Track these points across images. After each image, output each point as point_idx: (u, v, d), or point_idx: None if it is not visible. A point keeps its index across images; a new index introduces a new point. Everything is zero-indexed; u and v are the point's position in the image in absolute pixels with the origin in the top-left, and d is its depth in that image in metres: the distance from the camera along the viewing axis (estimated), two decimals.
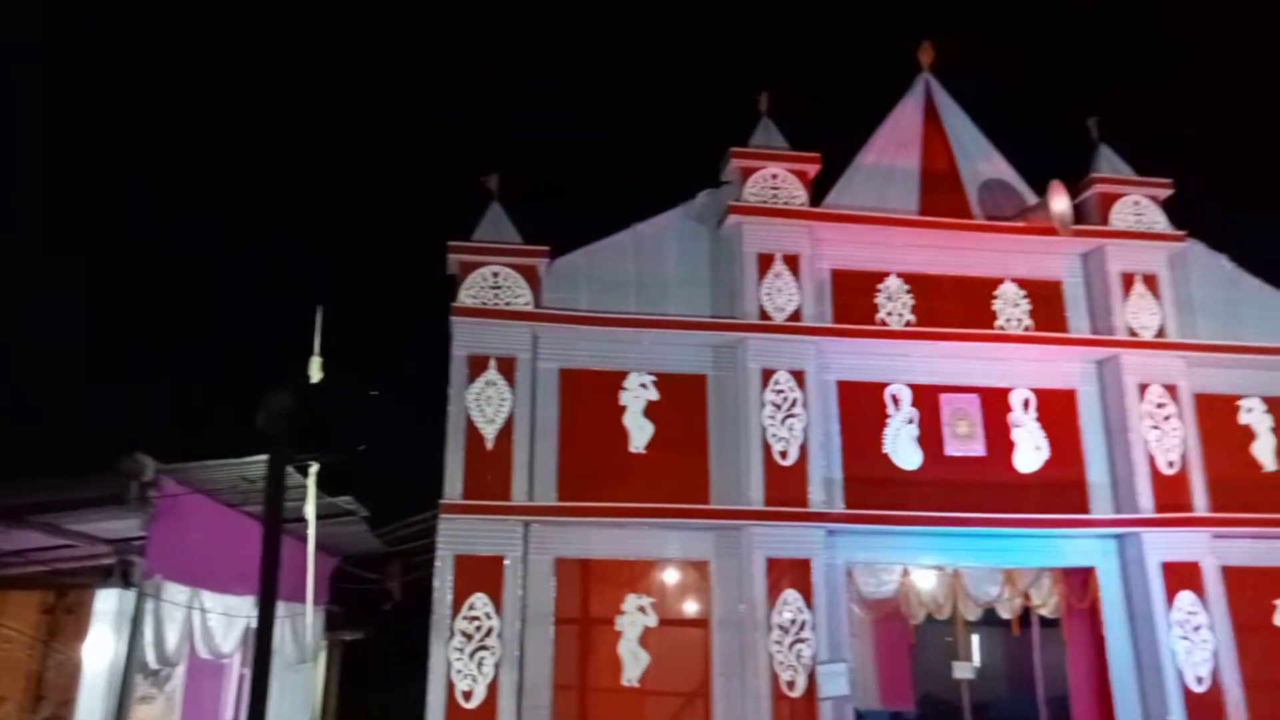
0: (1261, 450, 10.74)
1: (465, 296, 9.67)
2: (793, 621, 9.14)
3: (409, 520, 12.02)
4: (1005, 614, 12.21)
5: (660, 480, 9.57)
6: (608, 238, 10.28)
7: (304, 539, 7.99)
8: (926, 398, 10.29)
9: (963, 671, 15.62)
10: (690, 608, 9.56)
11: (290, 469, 7.35)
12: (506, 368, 9.49)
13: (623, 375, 9.89)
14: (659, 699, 9.25)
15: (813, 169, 10.42)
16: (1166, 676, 9.55)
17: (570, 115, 30.83)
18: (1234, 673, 9.79)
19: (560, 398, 9.76)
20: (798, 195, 10.29)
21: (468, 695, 8.62)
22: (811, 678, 8.97)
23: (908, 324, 10.37)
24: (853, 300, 10.43)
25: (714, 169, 10.70)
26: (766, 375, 9.75)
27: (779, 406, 9.67)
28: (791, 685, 8.95)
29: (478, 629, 8.80)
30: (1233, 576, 10.18)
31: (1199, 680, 9.57)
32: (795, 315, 9.94)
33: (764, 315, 9.90)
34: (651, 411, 9.83)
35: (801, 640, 9.10)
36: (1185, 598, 9.80)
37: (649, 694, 9.22)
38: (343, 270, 24.04)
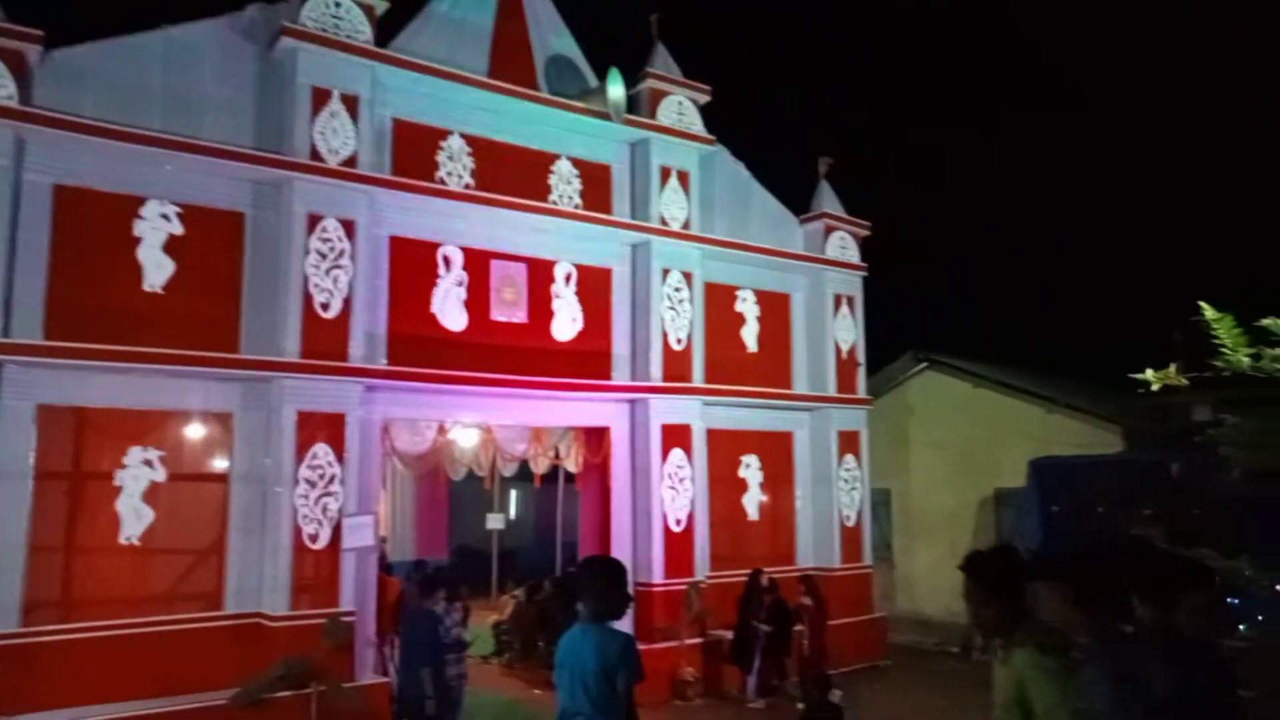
0: (748, 334, 12.76)
1: None
2: (321, 475, 8.96)
3: None
4: (536, 470, 13.31)
5: (180, 324, 8.60)
6: (129, 36, 8.70)
7: None
8: (478, 262, 10.48)
9: (494, 522, 16.90)
10: (207, 461, 8.90)
11: None
12: None
13: (139, 202, 8.59)
14: (165, 557, 8.56)
15: (381, 4, 9.74)
16: (654, 520, 11.17)
17: None
18: (704, 515, 11.77)
19: (54, 219, 8.20)
20: (362, 31, 9.57)
21: None
22: (337, 530, 8.94)
23: (467, 186, 10.37)
24: (413, 154, 10.12)
25: None
26: (313, 221, 9.14)
27: (324, 256, 9.16)
28: (315, 538, 8.84)
29: None
30: (714, 437, 12.11)
31: (678, 522, 11.34)
32: (350, 161, 9.38)
33: (315, 156, 9.19)
34: (174, 247, 8.72)
35: (329, 494, 8.97)
36: (677, 454, 11.45)
37: (153, 552, 8.49)
38: None
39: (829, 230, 13.45)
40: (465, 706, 8.65)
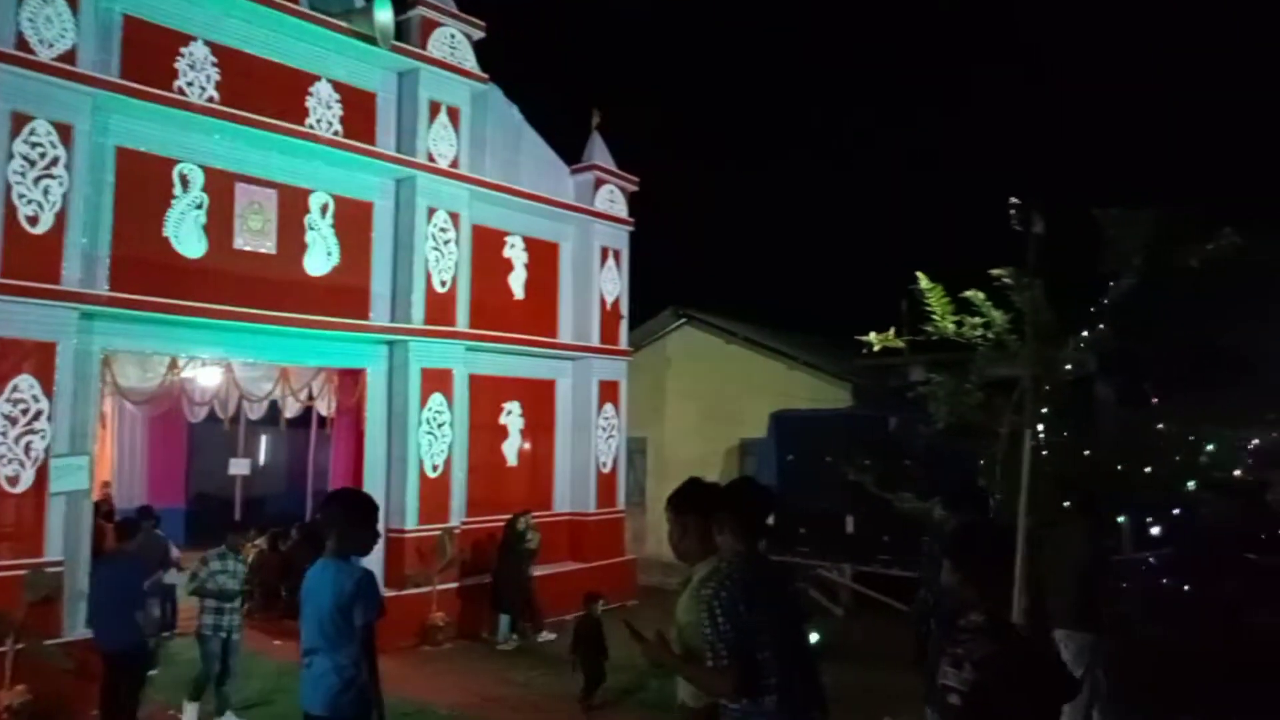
0: (515, 281, 12.70)
1: None
2: (25, 411, 7.98)
3: None
4: (288, 413, 12.60)
5: None
6: None
7: None
8: (221, 184, 9.63)
9: (238, 468, 15.83)
10: None
11: None
12: None
13: None
14: None
15: None
16: (410, 465, 10.94)
17: None
18: (463, 461, 11.68)
19: None
20: None
21: None
22: (43, 472, 8.03)
23: (210, 100, 9.46)
24: (148, 58, 9.07)
25: None
26: (19, 121, 8.00)
27: (32, 162, 8.06)
28: (15, 480, 7.89)
29: None
30: (476, 383, 12.01)
31: (435, 468, 11.18)
32: (67, 56, 8.25)
33: (23, 46, 8.00)
34: None
35: (34, 432, 8.02)
36: (436, 399, 11.24)
37: None
38: None
39: (599, 183, 13.60)
40: (234, 665, 7.81)
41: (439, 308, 11.25)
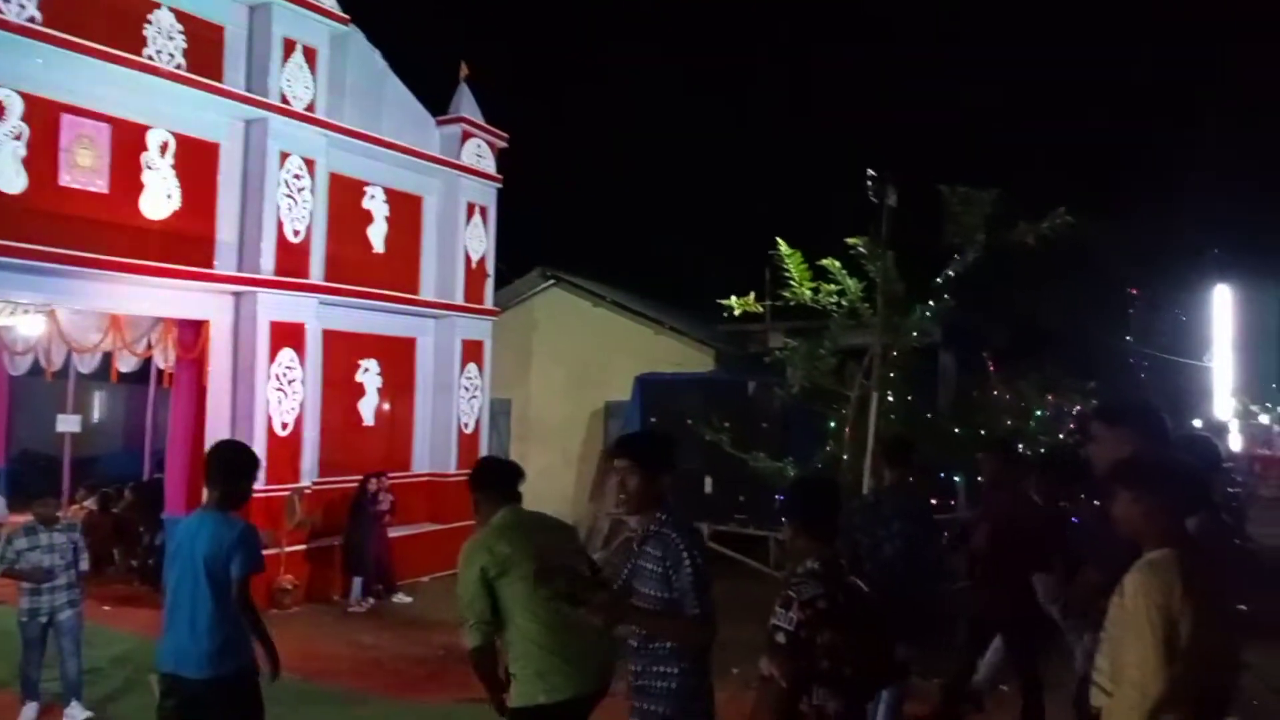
0: (374, 233, 12.23)
1: None
2: None
3: None
4: (124, 367, 11.80)
5: None
6: None
7: None
8: (44, 113, 8.79)
9: (67, 425, 14.73)
10: None
11: None
12: None
13: None
14: None
15: None
16: (257, 422, 10.42)
17: None
18: (315, 419, 11.23)
19: None
20: None
21: None
22: None
23: (31, 20, 8.58)
24: None
25: None
26: None
27: None
28: None
29: None
30: (330, 338, 11.54)
31: (284, 426, 10.70)
32: None
33: None
34: None
35: None
36: (286, 354, 10.73)
37: None
38: None
39: (466, 136, 13.22)
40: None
41: (291, 258, 10.71)
